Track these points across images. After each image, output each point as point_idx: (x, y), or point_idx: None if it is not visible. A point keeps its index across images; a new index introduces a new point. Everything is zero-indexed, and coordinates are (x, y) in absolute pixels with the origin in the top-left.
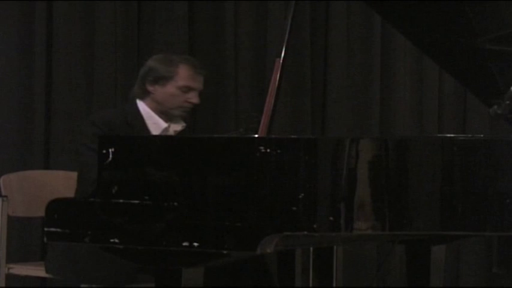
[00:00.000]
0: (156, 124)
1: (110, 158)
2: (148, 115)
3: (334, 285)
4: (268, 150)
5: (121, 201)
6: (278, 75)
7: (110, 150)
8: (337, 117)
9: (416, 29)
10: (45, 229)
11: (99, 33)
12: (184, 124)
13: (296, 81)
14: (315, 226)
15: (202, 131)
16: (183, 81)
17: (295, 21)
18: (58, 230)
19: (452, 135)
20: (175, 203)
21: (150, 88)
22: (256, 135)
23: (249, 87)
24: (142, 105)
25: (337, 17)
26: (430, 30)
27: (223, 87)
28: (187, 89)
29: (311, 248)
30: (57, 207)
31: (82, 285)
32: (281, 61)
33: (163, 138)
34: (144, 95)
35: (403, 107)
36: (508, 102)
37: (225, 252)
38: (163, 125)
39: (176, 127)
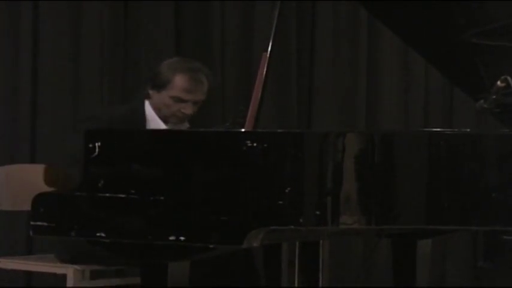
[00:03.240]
0: (156, 126)
1: (96, 152)
2: (151, 117)
3: (320, 279)
4: (254, 145)
5: (107, 195)
6: (265, 69)
7: (97, 144)
8: (323, 112)
9: (402, 24)
10: (32, 223)
11: (85, 29)
12: (188, 126)
13: (282, 76)
14: (301, 220)
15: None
16: (175, 91)
17: (282, 15)
18: (44, 223)
19: (438, 129)
20: (162, 197)
21: (150, 91)
22: (243, 130)
23: (236, 81)
24: (148, 107)
25: (324, 12)
26: (416, 24)
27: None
28: (178, 100)
29: (297, 242)
30: (43, 201)
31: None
32: (268, 55)
33: (149, 132)
34: (147, 97)
35: (390, 102)
36: (494, 96)
37: (211, 246)
38: (162, 127)
39: (181, 127)
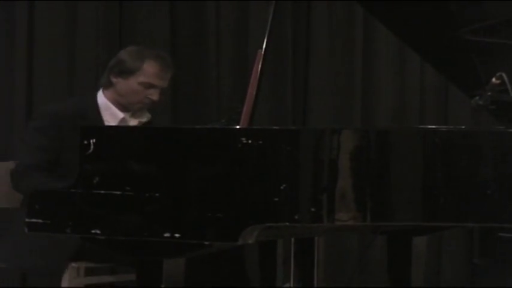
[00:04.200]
0: (112, 115)
1: (91, 149)
2: (105, 106)
3: (315, 275)
4: (250, 141)
5: (102, 192)
6: (260, 67)
7: (92, 141)
8: (318, 109)
9: (399, 21)
10: (27, 220)
11: (81, 25)
12: (149, 115)
13: (278, 74)
14: (296, 217)
15: (184, 122)
16: (145, 77)
17: (277, 15)
18: (39, 220)
19: (433, 126)
20: (157, 194)
21: (113, 79)
22: (238, 127)
23: (231, 78)
24: (101, 97)
25: (319, 9)
26: (412, 22)
27: (205, 79)
28: (148, 86)
29: (292, 239)
30: (38, 198)
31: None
32: (263, 52)
33: (145, 129)
34: (108, 86)
35: (385, 99)
36: (489, 93)
37: (206, 243)
38: (120, 115)
39: (141, 119)
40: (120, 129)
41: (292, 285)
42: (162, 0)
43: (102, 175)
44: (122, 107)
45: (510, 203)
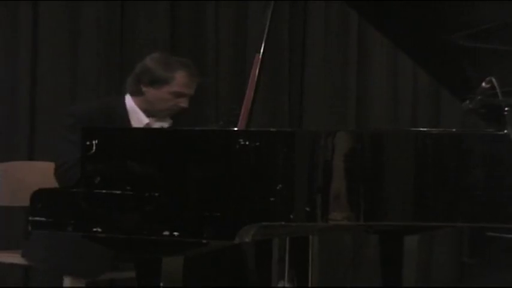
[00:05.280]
0: (138, 119)
1: (93, 150)
2: (133, 110)
3: (309, 273)
4: (247, 143)
5: (103, 191)
6: (257, 70)
7: (94, 142)
8: (314, 111)
9: (391, 26)
10: (30, 218)
11: (83, 29)
12: (171, 120)
13: (275, 77)
14: (291, 216)
15: (183, 123)
16: (178, 87)
17: (274, 17)
18: (42, 219)
19: (425, 129)
20: (156, 194)
21: (144, 88)
22: (236, 128)
23: (229, 81)
24: (129, 101)
25: (315, 14)
26: (404, 26)
27: (203, 81)
28: (179, 95)
29: (288, 238)
30: (41, 197)
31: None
32: (260, 56)
33: (145, 130)
34: (137, 94)
35: (379, 102)
36: (479, 97)
37: (204, 241)
38: (145, 120)
39: (163, 124)
40: (120, 131)
41: (286, 283)
42: (162, 0)
43: (103, 175)
44: (148, 113)
45: (498, 204)
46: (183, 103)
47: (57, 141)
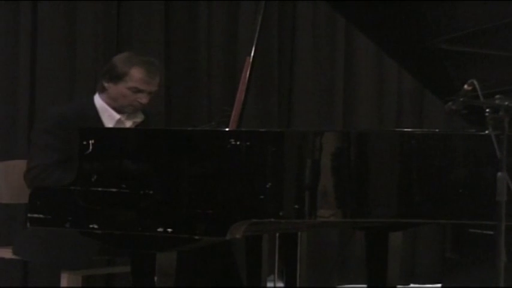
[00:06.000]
0: (110, 116)
1: (90, 149)
2: (102, 108)
3: (298, 267)
4: (238, 143)
5: (100, 189)
6: (248, 73)
7: (90, 141)
8: (302, 112)
9: (377, 30)
10: (29, 215)
11: (80, 31)
12: (143, 116)
13: (264, 79)
14: (281, 213)
15: (176, 124)
16: (133, 83)
17: (264, 17)
18: (41, 216)
19: (410, 129)
20: (151, 191)
21: (105, 84)
22: (227, 129)
23: (221, 83)
24: (98, 100)
25: (303, 17)
26: (390, 31)
27: (196, 83)
28: (136, 90)
29: (277, 234)
30: (40, 194)
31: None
32: (251, 59)
33: (140, 130)
34: (102, 90)
35: (365, 103)
36: (462, 99)
37: (196, 237)
38: (117, 116)
39: (136, 119)
40: (116, 131)
41: (276, 277)
42: (157, 0)
43: (100, 173)
44: (115, 109)
45: (480, 202)
46: (142, 99)
47: (31, 143)
